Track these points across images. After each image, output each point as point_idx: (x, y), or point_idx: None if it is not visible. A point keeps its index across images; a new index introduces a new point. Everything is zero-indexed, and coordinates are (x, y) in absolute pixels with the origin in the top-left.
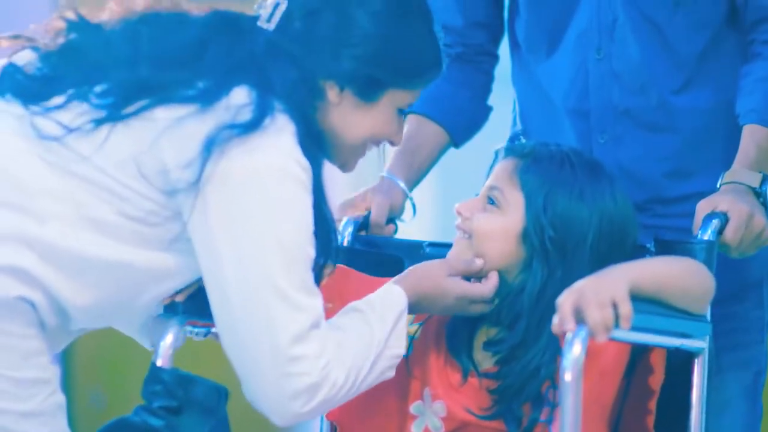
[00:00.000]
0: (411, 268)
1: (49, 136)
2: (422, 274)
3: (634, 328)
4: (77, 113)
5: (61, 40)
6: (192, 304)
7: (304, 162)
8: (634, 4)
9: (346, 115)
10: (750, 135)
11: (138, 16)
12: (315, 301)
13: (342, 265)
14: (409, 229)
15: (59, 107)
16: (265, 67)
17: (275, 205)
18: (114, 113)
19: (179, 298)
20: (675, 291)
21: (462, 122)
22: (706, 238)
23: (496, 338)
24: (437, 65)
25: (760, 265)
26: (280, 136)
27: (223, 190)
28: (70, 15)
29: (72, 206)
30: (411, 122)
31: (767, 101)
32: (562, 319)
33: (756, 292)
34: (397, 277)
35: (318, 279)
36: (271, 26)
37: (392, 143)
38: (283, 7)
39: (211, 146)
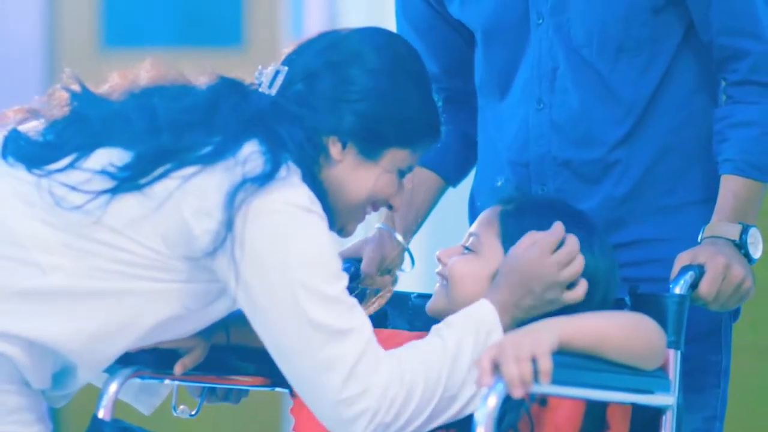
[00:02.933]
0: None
1: (52, 198)
2: (508, 268)
3: (562, 383)
4: (81, 180)
5: (66, 110)
6: (143, 355)
7: (318, 203)
8: (575, 52)
9: (348, 172)
10: (727, 185)
11: (143, 88)
12: (361, 316)
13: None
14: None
15: (62, 170)
16: (272, 126)
17: (292, 236)
18: (130, 184)
19: (132, 349)
20: (613, 346)
21: (452, 162)
22: (678, 291)
23: None
24: (436, 128)
25: (716, 312)
26: (299, 186)
27: (248, 238)
28: (74, 86)
29: (72, 260)
30: None
31: (741, 149)
32: (479, 373)
33: (714, 337)
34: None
35: None
36: (273, 92)
37: (390, 207)
38: (283, 74)
39: (233, 199)
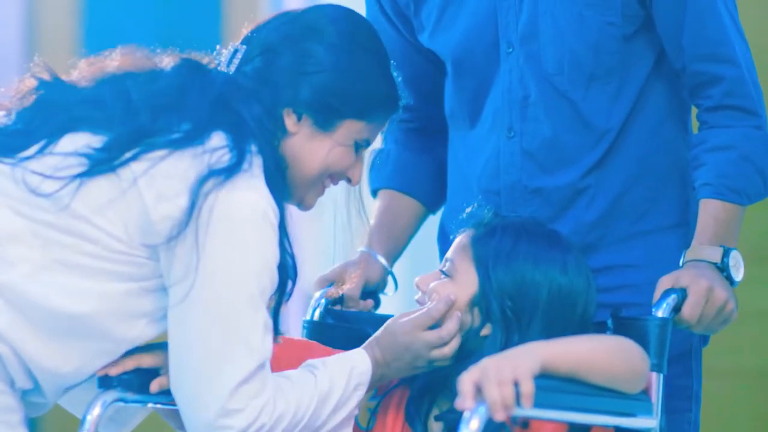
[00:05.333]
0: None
1: (26, 187)
2: (382, 332)
3: (544, 406)
4: (52, 165)
5: (32, 98)
6: (125, 379)
7: (275, 206)
8: (547, 80)
9: (303, 144)
10: (706, 209)
11: (114, 74)
12: (267, 342)
13: (304, 339)
14: (384, 303)
15: (33, 157)
16: (235, 107)
17: (249, 244)
18: (105, 165)
19: (113, 372)
20: (596, 370)
21: (430, 188)
22: (660, 314)
23: (446, 409)
24: (393, 102)
25: (685, 336)
26: (258, 180)
27: (204, 228)
28: (44, 75)
29: (40, 251)
30: (383, 197)
31: (719, 173)
32: (461, 397)
33: (684, 361)
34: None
35: (276, 317)
36: (231, 69)
37: (350, 181)
38: (241, 53)
39: (199, 188)
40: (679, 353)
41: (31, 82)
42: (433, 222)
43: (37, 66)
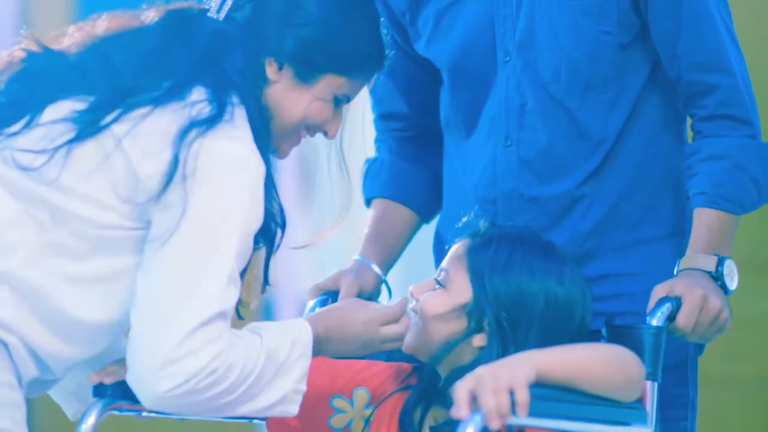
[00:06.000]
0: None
1: (17, 166)
2: (331, 307)
3: (539, 415)
4: (39, 137)
5: (18, 68)
6: (121, 388)
7: (259, 156)
8: (543, 89)
9: (282, 94)
10: (700, 218)
11: (98, 38)
12: (234, 294)
13: None
14: None
15: (18, 133)
16: (219, 59)
17: (229, 194)
18: (91, 128)
19: (108, 381)
20: (591, 379)
21: (424, 198)
22: (655, 323)
23: (441, 422)
24: (377, 61)
25: (681, 345)
26: (240, 130)
27: (190, 177)
28: (32, 46)
29: (36, 233)
30: (377, 206)
31: (713, 182)
32: (457, 405)
33: (679, 371)
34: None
35: (267, 268)
36: (221, 16)
37: (326, 134)
38: (231, 0)
39: (180, 142)
40: (675, 362)
41: (20, 54)
42: (427, 230)
43: (25, 38)
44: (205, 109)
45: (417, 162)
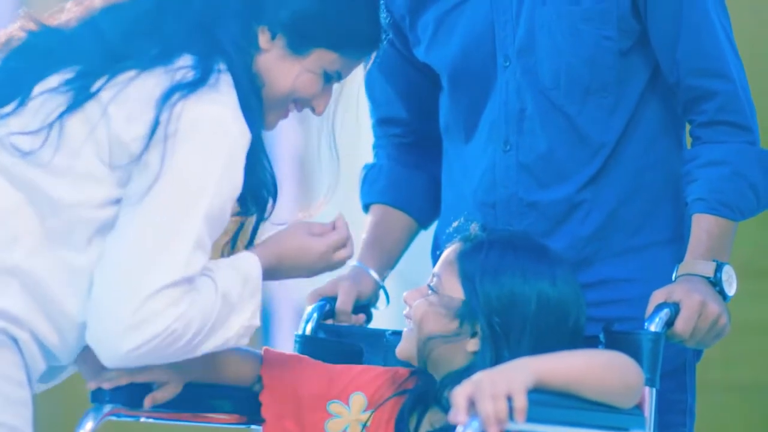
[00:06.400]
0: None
1: (17, 152)
2: (281, 235)
3: (537, 420)
4: (32, 113)
5: (16, 44)
6: (119, 393)
7: (243, 122)
8: (543, 94)
9: (273, 63)
10: (699, 224)
11: (97, 11)
12: (201, 259)
13: (295, 353)
14: (376, 317)
15: (12, 114)
16: (212, 26)
17: (207, 158)
18: (83, 94)
19: (106, 386)
20: (589, 384)
21: (422, 204)
22: (653, 329)
23: (438, 427)
24: (372, 42)
25: (679, 351)
26: (225, 96)
27: (171, 138)
28: (30, 25)
29: (36, 221)
30: (375, 212)
31: (712, 188)
32: (455, 410)
33: (678, 376)
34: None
35: (254, 234)
36: None
37: (314, 111)
38: None
39: (163, 104)
40: (673, 368)
41: (18, 33)
42: (425, 236)
43: (23, 17)
44: (188, 74)
45: (415, 168)
